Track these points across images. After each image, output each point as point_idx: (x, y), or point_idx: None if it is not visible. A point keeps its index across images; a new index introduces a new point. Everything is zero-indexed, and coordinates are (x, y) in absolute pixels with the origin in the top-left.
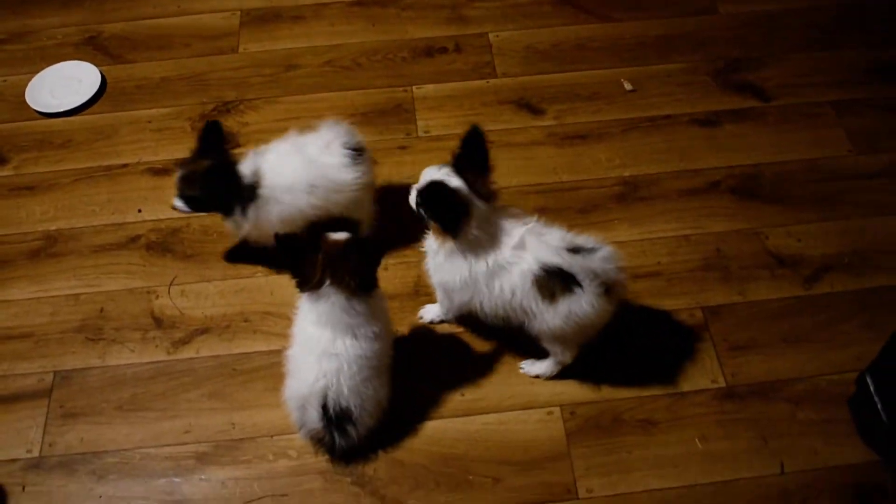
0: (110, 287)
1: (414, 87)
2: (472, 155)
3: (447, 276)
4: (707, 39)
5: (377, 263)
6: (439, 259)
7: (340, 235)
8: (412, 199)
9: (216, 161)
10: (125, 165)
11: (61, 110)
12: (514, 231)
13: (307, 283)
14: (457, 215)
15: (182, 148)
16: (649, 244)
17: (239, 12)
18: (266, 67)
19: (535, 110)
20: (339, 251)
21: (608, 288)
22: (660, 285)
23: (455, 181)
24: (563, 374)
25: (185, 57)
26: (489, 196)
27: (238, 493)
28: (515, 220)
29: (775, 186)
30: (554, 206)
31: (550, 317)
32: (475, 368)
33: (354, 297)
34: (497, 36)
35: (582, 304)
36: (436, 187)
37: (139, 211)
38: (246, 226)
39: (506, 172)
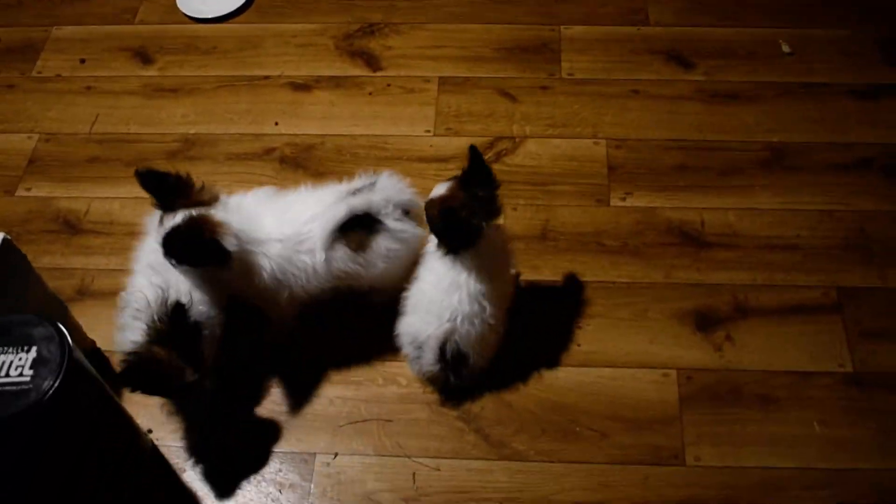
0: None
1: (562, 27)
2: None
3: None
4: (879, 5)
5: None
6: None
7: (440, 190)
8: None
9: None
10: (267, 77)
11: (210, 16)
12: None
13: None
14: None
15: (323, 65)
16: (790, 215)
17: None
18: None
19: (685, 63)
20: (460, 203)
21: (406, 211)
22: (795, 259)
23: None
24: (685, 338)
25: None
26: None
27: (345, 413)
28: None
29: None
30: (693, 164)
31: (372, 264)
32: (595, 321)
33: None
34: None
35: (392, 237)
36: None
37: (276, 124)
38: None
39: (647, 125)
